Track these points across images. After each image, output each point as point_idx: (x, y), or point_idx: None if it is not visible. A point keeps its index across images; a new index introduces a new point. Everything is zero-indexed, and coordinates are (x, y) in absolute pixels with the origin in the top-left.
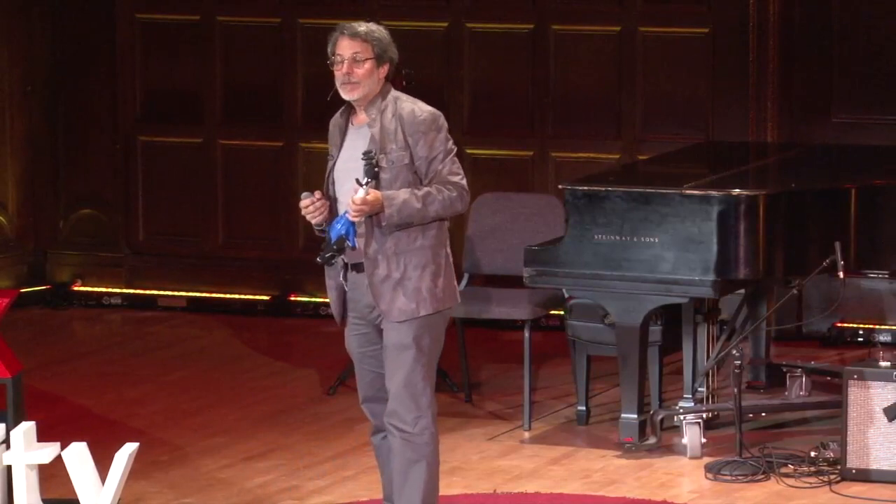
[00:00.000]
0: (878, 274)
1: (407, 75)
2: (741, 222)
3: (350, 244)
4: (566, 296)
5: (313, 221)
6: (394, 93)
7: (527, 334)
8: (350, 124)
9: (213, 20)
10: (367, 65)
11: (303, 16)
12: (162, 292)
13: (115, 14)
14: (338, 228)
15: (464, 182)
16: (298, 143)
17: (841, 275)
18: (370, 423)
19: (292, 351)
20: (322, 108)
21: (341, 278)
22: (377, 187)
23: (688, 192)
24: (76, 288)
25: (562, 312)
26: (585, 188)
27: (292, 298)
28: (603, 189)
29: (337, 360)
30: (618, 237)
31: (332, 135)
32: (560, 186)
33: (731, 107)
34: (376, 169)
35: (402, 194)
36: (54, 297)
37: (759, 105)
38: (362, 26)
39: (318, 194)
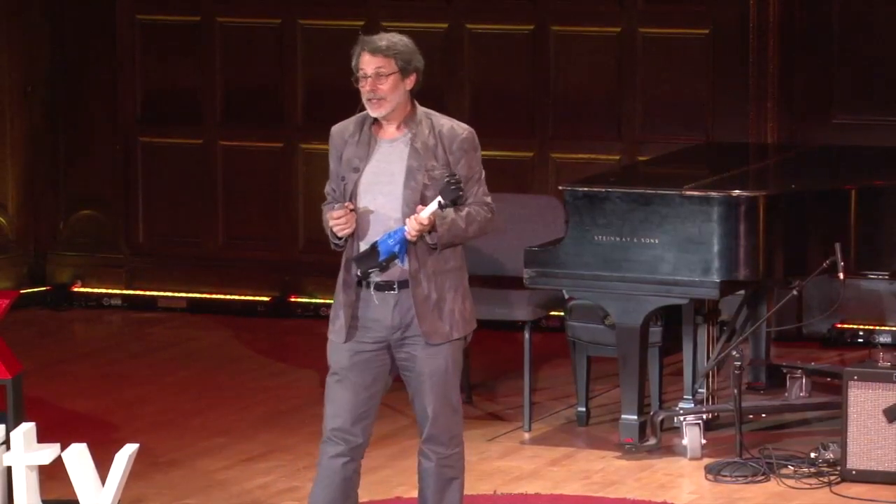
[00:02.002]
0: (878, 275)
1: None
2: (741, 223)
3: (400, 262)
4: (566, 297)
5: (342, 233)
6: (421, 107)
7: (527, 335)
8: (375, 137)
9: (213, 21)
10: (392, 79)
11: (303, 17)
12: (162, 293)
13: (115, 15)
14: (390, 245)
15: (492, 203)
16: (298, 144)
17: (841, 276)
18: (330, 448)
19: (292, 352)
20: (322, 109)
21: (359, 296)
22: (421, 204)
23: (688, 193)
24: (76, 289)
25: (562, 313)
26: (585, 189)
27: (292, 299)
28: (603, 190)
29: None
30: (618, 238)
31: (341, 143)
32: (560, 187)
33: (731, 107)
34: (461, 193)
35: (451, 214)
36: (54, 298)
37: (759, 106)
38: (383, 40)
39: (350, 205)
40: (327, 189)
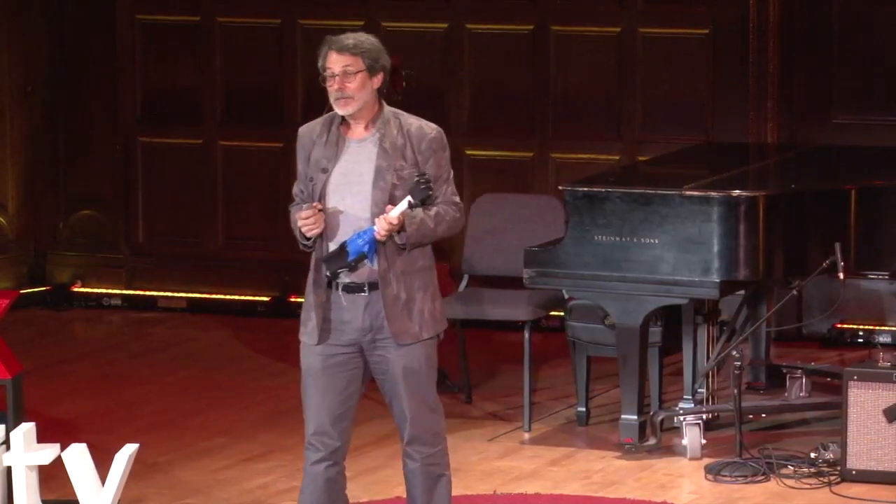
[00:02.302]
0: (878, 275)
1: (407, 76)
2: (741, 223)
3: (369, 262)
4: (566, 297)
5: (310, 234)
6: (389, 107)
7: (527, 335)
8: (344, 137)
9: (213, 21)
10: (359, 77)
11: (303, 17)
12: (162, 293)
13: (115, 15)
14: (359, 245)
15: (461, 202)
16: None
17: (841, 276)
18: (311, 454)
19: (292, 352)
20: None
21: (329, 298)
22: (390, 204)
23: (688, 193)
24: (76, 289)
25: (562, 313)
26: (585, 189)
27: (292, 299)
28: (603, 190)
29: None
30: (618, 238)
31: (309, 144)
32: (560, 187)
33: (731, 107)
34: (430, 192)
35: (419, 213)
36: (54, 298)
37: (759, 106)
38: (350, 38)
39: (318, 206)
40: (295, 190)
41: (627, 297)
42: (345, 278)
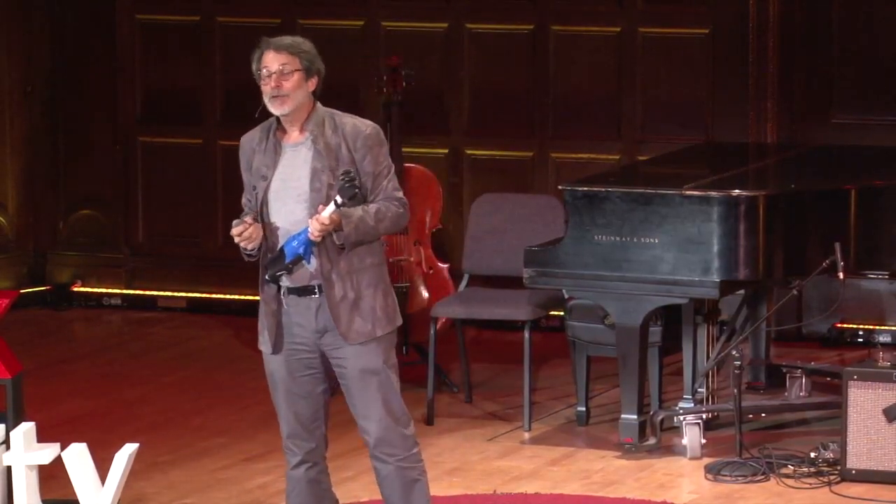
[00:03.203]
0: (878, 274)
1: (407, 76)
2: (741, 223)
3: (306, 263)
4: (566, 296)
5: (249, 247)
6: (324, 108)
7: (527, 335)
8: (281, 143)
9: (213, 21)
10: (296, 77)
11: (303, 16)
12: (162, 293)
13: (114, 15)
14: (294, 246)
15: (404, 198)
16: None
17: (841, 275)
18: (290, 458)
19: None
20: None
21: (281, 303)
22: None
23: (688, 192)
24: (76, 289)
25: (562, 313)
26: (585, 189)
27: None
28: (603, 190)
29: None
30: (618, 238)
31: (250, 153)
32: (560, 187)
33: (730, 107)
34: (357, 189)
35: (357, 212)
36: (54, 298)
37: (759, 106)
38: (287, 39)
39: (249, 219)
40: (243, 201)
41: (627, 297)
42: (288, 282)
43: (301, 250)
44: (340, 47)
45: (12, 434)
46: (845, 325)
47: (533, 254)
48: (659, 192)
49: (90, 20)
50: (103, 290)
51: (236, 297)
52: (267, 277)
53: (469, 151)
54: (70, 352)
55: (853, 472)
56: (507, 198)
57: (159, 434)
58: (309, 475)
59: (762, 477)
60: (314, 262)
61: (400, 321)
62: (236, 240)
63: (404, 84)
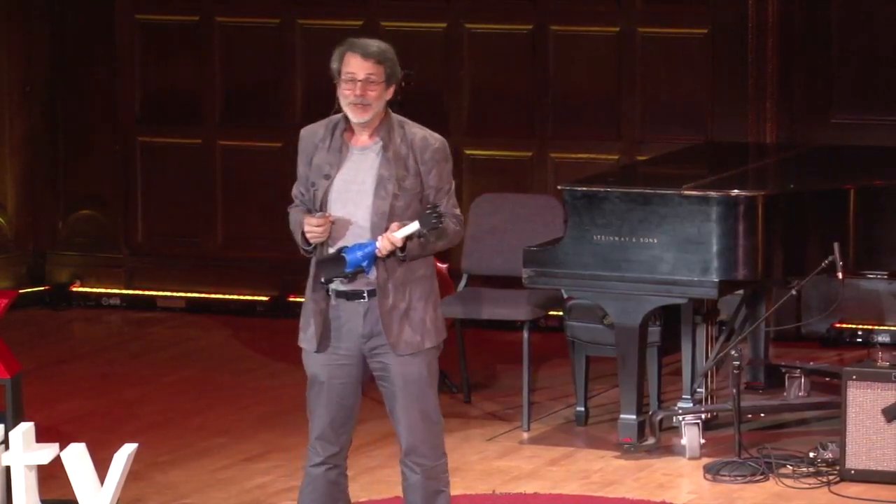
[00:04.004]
0: (877, 274)
1: (406, 76)
2: (740, 223)
3: (366, 274)
4: (565, 296)
5: (315, 241)
6: (394, 115)
7: (526, 335)
8: (348, 144)
9: (213, 21)
10: (379, 88)
11: (302, 16)
12: (161, 293)
13: (114, 15)
14: (358, 257)
15: (461, 214)
16: (298, 143)
17: (840, 275)
18: (312, 457)
19: (291, 352)
20: (322, 108)
21: (329, 303)
22: (391, 214)
23: (687, 192)
24: (75, 289)
25: (561, 313)
26: (584, 189)
27: (291, 299)
28: (602, 190)
29: None
30: (617, 238)
31: (312, 148)
32: (559, 187)
33: (730, 107)
34: (440, 225)
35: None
36: (53, 298)
37: (759, 106)
38: (374, 45)
39: (331, 217)
40: (295, 191)
41: (626, 297)
42: (341, 286)
43: (364, 263)
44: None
45: (11, 434)
46: (844, 325)
47: (532, 254)
48: (658, 192)
49: (90, 20)
50: (102, 290)
51: (235, 296)
52: (322, 281)
53: (468, 151)
54: (69, 352)
55: (852, 472)
56: (507, 198)
57: (158, 434)
58: (329, 476)
59: (761, 477)
60: (373, 272)
61: (446, 334)
62: (307, 228)
63: (403, 84)
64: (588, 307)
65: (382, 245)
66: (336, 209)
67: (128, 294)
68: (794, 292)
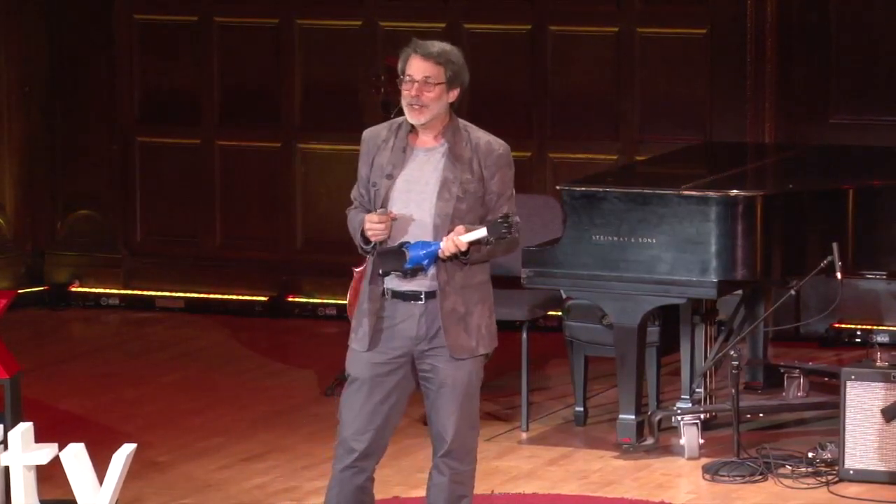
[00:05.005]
0: (875, 275)
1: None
2: (739, 223)
3: (425, 272)
4: (564, 296)
5: (375, 238)
6: (459, 119)
7: (524, 335)
8: (411, 145)
9: (211, 21)
10: (438, 89)
11: (301, 16)
12: (160, 293)
13: (113, 15)
14: (420, 255)
15: (520, 221)
16: (296, 143)
17: (839, 275)
18: (342, 459)
19: (290, 352)
20: (320, 108)
21: (383, 304)
22: (453, 216)
23: (686, 192)
24: (74, 289)
25: (560, 313)
26: (583, 189)
27: (290, 299)
28: (601, 190)
29: (334, 361)
30: (616, 238)
31: (374, 149)
32: (558, 187)
33: (728, 107)
34: (509, 235)
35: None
36: (52, 298)
37: (757, 106)
38: (436, 46)
39: (392, 213)
40: (354, 194)
41: (625, 297)
42: (394, 285)
43: (425, 262)
44: (338, 47)
45: (10, 434)
46: (843, 325)
47: (531, 254)
48: (657, 192)
49: (88, 20)
50: (101, 291)
51: (234, 296)
52: (380, 273)
53: None
54: (68, 352)
55: (851, 472)
56: None
57: (157, 434)
58: (357, 481)
59: (760, 477)
60: (431, 272)
61: (497, 343)
62: (367, 226)
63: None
64: (587, 307)
65: (446, 247)
66: (397, 209)
67: (126, 294)
68: (792, 292)
